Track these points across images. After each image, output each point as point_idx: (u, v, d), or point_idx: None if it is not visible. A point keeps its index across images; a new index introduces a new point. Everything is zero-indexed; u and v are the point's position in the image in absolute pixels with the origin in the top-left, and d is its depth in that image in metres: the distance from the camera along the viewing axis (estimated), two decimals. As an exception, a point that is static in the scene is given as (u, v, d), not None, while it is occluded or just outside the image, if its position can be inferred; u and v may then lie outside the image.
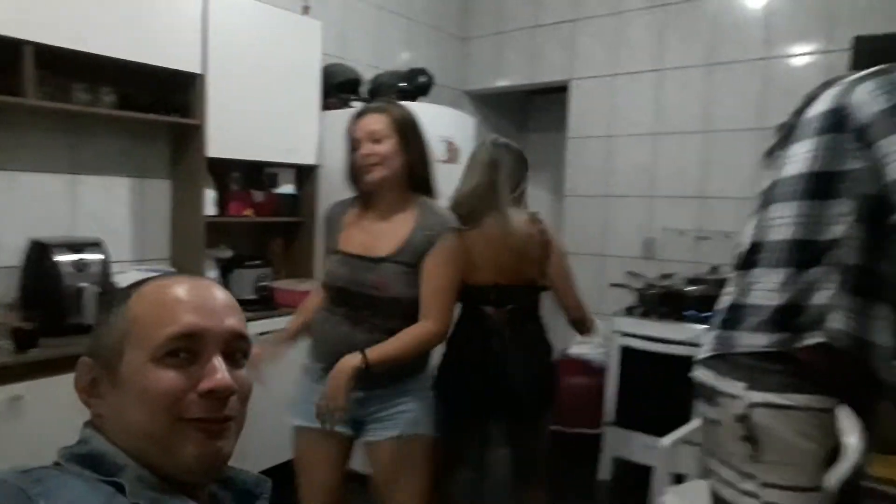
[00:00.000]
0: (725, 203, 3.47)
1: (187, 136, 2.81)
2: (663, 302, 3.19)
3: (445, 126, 3.34)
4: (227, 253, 3.07)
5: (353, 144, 1.76)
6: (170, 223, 2.95)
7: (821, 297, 1.24)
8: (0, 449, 1.97)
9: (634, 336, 3.14)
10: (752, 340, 1.30)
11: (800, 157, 1.33)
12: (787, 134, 1.46)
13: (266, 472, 0.98)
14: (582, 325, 2.19)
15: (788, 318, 1.26)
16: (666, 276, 3.46)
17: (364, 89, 3.49)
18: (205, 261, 2.88)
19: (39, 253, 2.29)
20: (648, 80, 3.73)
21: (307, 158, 3.24)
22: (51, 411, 1.90)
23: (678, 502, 2.08)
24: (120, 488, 0.68)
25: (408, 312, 1.72)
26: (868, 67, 1.34)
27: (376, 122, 1.73)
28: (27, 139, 2.48)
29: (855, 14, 3.07)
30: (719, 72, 3.48)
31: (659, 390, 3.05)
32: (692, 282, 3.27)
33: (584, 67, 3.99)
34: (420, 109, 3.29)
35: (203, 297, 0.78)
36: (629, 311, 3.28)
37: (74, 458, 0.72)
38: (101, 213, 2.71)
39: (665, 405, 2.99)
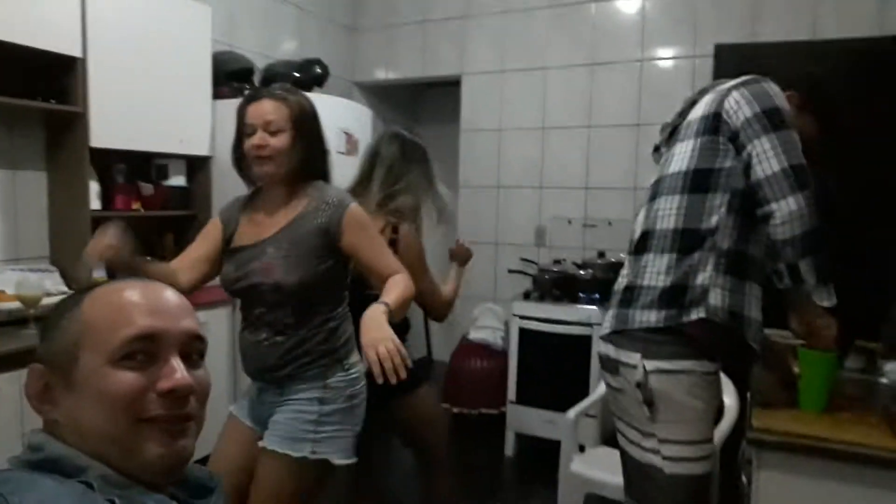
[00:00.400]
0: (608, 193, 3.74)
1: (66, 125, 2.59)
2: (557, 286, 3.40)
3: (343, 118, 3.33)
4: (115, 250, 2.87)
5: (245, 130, 1.59)
6: (48, 219, 2.71)
7: (701, 278, 1.44)
8: None
9: (532, 318, 3.32)
10: (645, 317, 1.48)
11: (682, 156, 1.54)
12: (671, 133, 1.67)
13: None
14: (434, 312, 2.18)
15: (675, 297, 1.45)
16: (557, 262, 3.67)
17: (257, 78, 3.39)
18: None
19: None
20: (536, 78, 3.93)
21: (199, 149, 3.09)
22: None
23: (585, 467, 2.25)
24: (89, 486, 0.67)
25: (297, 307, 1.56)
26: (727, 72, 1.59)
27: (274, 112, 1.57)
28: None
29: (716, 24, 3.42)
30: (600, 71, 3.75)
31: (556, 368, 3.25)
32: (582, 266, 3.51)
33: (475, 63, 4.12)
34: (318, 101, 3.27)
35: (157, 300, 0.79)
36: (526, 296, 3.45)
37: (29, 465, 0.70)
38: (-34, 209, 2.45)
39: (562, 382, 3.20)
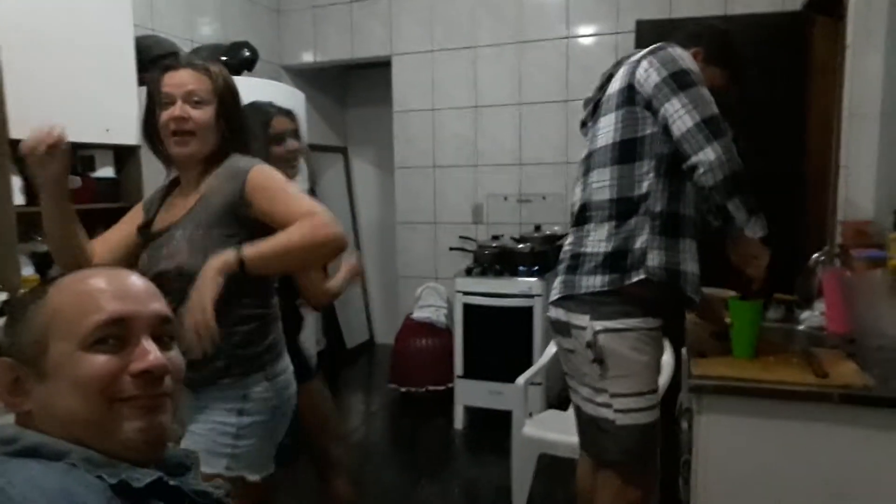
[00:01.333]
0: (541, 168, 3.85)
1: (-19, 117, 2.45)
2: (497, 261, 3.49)
3: (275, 101, 3.27)
4: (44, 247, 2.74)
5: (162, 100, 1.40)
6: (-34, 217, 2.56)
7: (640, 242, 1.55)
8: None
9: (474, 294, 3.40)
10: (590, 282, 1.59)
11: (607, 130, 1.65)
12: (594, 109, 1.78)
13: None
14: (310, 296, 1.93)
15: (617, 261, 1.57)
16: (496, 238, 3.77)
17: (182, 63, 3.28)
18: (17, 256, 2.56)
19: None
20: (465, 57, 3.98)
21: (126, 138, 2.97)
22: None
23: (538, 431, 2.36)
24: (73, 467, 0.68)
25: None
26: (648, 45, 1.66)
27: (197, 82, 1.39)
28: None
29: (635, 1, 3.56)
30: (528, 49, 3.83)
31: (501, 341, 3.36)
32: (520, 240, 3.61)
33: (404, 43, 4.12)
34: (247, 84, 3.20)
35: (124, 284, 0.79)
36: (468, 272, 3.53)
37: (7, 455, 0.69)
38: None
39: (507, 353, 3.30)
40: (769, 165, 3.01)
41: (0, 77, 2.39)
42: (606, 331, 1.57)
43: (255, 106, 1.94)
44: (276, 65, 4.41)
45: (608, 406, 1.60)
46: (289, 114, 2.05)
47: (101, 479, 0.68)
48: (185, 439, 1.37)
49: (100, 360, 0.73)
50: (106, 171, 2.97)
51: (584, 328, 1.59)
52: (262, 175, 1.39)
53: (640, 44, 3.35)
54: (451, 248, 3.97)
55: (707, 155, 1.46)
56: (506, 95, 3.91)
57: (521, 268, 3.43)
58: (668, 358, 2.36)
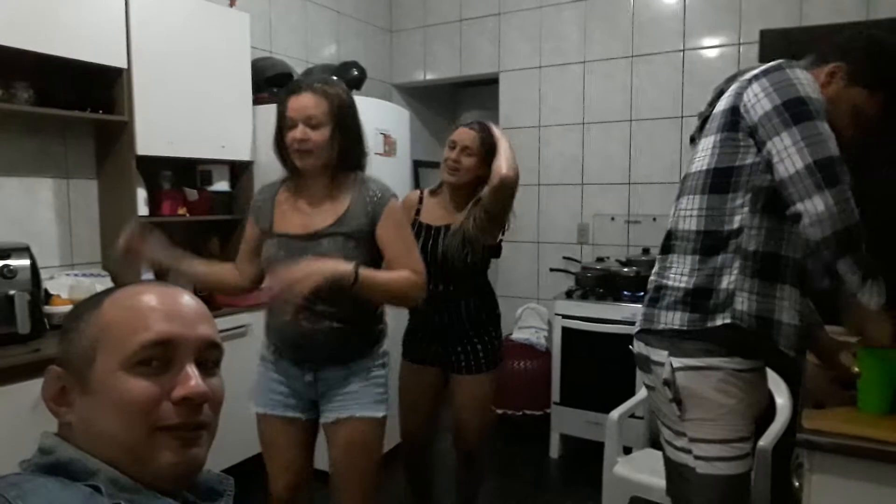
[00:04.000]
0: (651, 188, 3.65)
1: (114, 134, 2.67)
2: (600, 284, 3.33)
3: (381, 119, 3.34)
4: (162, 255, 2.95)
5: (287, 123, 1.67)
6: (99, 225, 2.81)
7: (726, 282, 1.38)
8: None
9: (575, 318, 3.26)
10: (669, 318, 1.44)
11: (704, 153, 1.47)
12: (701, 125, 1.60)
13: (236, 466, 0.95)
14: None
15: (698, 300, 1.40)
16: (600, 260, 3.61)
17: (296, 83, 3.43)
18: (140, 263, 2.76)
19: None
20: (574, 72, 3.86)
21: (241, 154, 3.15)
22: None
23: (629, 471, 2.19)
24: (97, 490, 0.67)
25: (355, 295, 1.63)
26: (774, 58, 1.46)
27: (314, 107, 1.64)
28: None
29: (761, 9, 3.30)
30: (640, 63, 3.65)
31: (600, 368, 3.19)
32: (626, 264, 3.43)
33: (512, 60, 4.08)
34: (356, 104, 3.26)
35: (176, 305, 0.78)
36: (568, 295, 3.39)
37: (40, 468, 0.70)
38: (23, 217, 2.55)
39: (607, 382, 3.13)
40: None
41: (131, 97, 2.61)
42: (686, 368, 1.40)
43: None
44: (388, 83, 4.52)
45: (688, 451, 1.44)
46: (470, 127, 2.18)
47: None
48: (344, 401, 1.73)
49: (140, 385, 0.72)
50: (221, 185, 3.14)
51: (661, 364, 1.45)
52: (397, 212, 1.73)
53: (764, 56, 3.10)
54: (552, 269, 3.84)
55: (815, 205, 1.26)
56: (616, 112, 3.75)
57: (625, 293, 3.24)
58: (783, 401, 2.12)
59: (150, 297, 0.77)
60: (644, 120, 3.66)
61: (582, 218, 3.89)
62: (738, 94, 1.41)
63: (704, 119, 1.59)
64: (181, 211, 2.98)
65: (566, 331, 3.30)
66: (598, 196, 3.83)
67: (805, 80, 1.35)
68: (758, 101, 1.36)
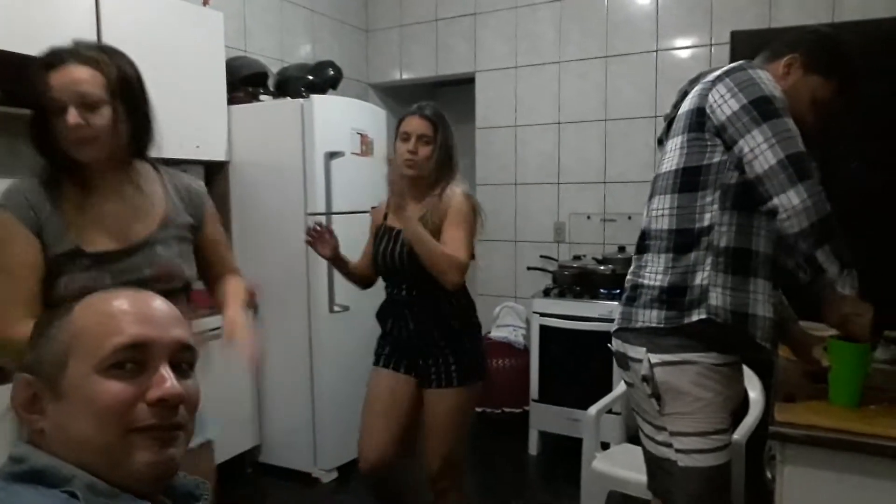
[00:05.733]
0: (626, 187, 3.69)
1: (85, 135, 2.63)
2: (577, 282, 3.36)
3: (358, 119, 3.33)
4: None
5: (51, 105, 1.27)
6: (70, 228, 2.76)
7: (700, 278, 1.41)
8: None
9: (552, 316, 3.29)
10: (646, 316, 1.47)
11: (672, 154, 1.51)
12: (668, 126, 1.64)
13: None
14: None
15: (674, 297, 1.43)
16: (577, 258, 3.64)
17: (271, 83, 3.41)
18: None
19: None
20: (550, 72, 3.89)
21: (216, 154, 3.11)
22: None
23: (607, 466, 2.22)
24: (73, 496, 0.67)
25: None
26: (745, 58, 1.49)
27: (88, 82, 1.28)
28: None
29: (732, 11, 3.36)
30: (615, 63, 3.70)
31: (578, 366, 3.22)
32: (602, 262, 3.47)
33: (488, 60, 4.09)
34: (331, 103, 3.25)
35: (148, 308, 0.79)
36: (546, 293, 3.42)
37: (13, 477, 0.69)
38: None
39: (584, 379, 3.16)
40: (885, 182, 2.73)
41: (103, 98, 2.56)
42: (664, 364, 1.43)
43: None
44: (364, 83, 4.51)
45: (668, 445, 1.47)
46: (421, 115, 2.05)
47: None
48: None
49: (115, 388, 0.72)
50: (196, 186, 3.10)
51: (639, 360, 1.48)
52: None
53: (735, 56, 3.14)
54: (529, 268, 3.87)
55: (790, 199, 1.31)
56: (591, 111, 3.78)
57: (601, 290, 3.28)
58: (755, 395, 2.16)
59: (122, 302, 0.77)
60: (619, 119, 3.70)
61: (558, 217, 3.92)
62: (703, 96, 1.44)
63: (671, 120, 1.62)
64: (155, 212, 2.94)
65: (544, 329, 3.32)
66: (575, 195, 3.87)
67: (766, 80, 1.40)
68: (724, 102, 1.39)
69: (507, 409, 3.64)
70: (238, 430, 3.07)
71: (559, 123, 3.88)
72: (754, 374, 2.17)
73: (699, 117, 1.44)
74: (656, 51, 3.58)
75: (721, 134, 1.41)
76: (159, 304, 0.80)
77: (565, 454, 3.22)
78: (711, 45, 3.43)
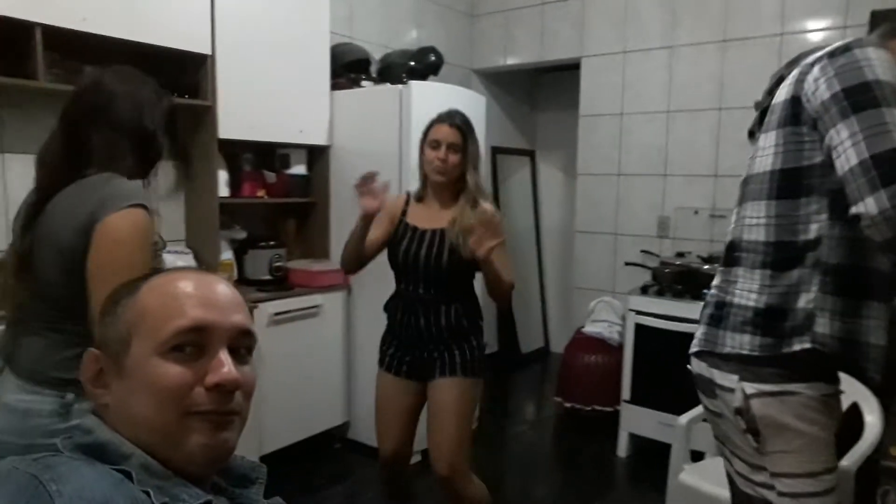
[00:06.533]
0: (739, 181, 3.43)
1: (198, 118, 2.79)
2: (678, 280, 3.18)
3: (456, 105, 3.26)
4: (241, 234, 3.07)
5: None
6: (183, 205, 2.95)
7: (804, 301, 1.21)
8: None
9: (649, 314, 3.13)
10: (737, 342, 1.27)
11: (766, 152, 1.29)
12: (760, 117, 1.41)
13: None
14: None
15: (771, 321, 1.23)
16: (680, 255, 3.45)
17: (374, 69, 3.46)
18: (219, 242, 2.88)
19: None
20: (660, 57, 3.68)
21: (318, 139, 3.21)
22: None
23: (696, 480, 2.08)
24: (127, 475, 0.68)
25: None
26: None
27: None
28: (39, 123, 2.47)
29: (873, -13, 3.01)
30: (733, 48, 3.43)
31: (674, 368, 3.04)
32: (707, 260, 3.26)
33: (595, 45, 3.94)
34: (430, 89, 3.25)
35: (211, 292, 0.79)
36: (644, 290, 3.26)
37: (79, 447, 0.72)
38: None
39: (680, 383, 2.98)
40: None
41: (215, 83, 2.71)
42: (761, 394, 1.24)
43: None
44: (468, 69, 4.48)
45: (770, 487, 1.27)
46: (451, 124, 2.08)
47: (149, 496, 0.68)
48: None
49: (174, 371, 0.73)
50: (299, 169, 3.22)
51: (731, 390, 1.27)
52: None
53: (875, 38, 2.83)
54: (627, 263, 3.71)
55: (867, 206, 1.08)
56: (703, 99, 3.54)
57: (705, 291, 3.07)
58: (872, 419, 1.94)
59: (187, 284, 0.78)
60: (734, 109, 3.44)
61: (663, 210, 3.72)
62: (800, 82, 1.22)
63: (763, 110, 1.39)
64: (260, 193, 3.08)
65: (639, 327, 3.17)
66: (682, 188, 3.65)
67: (877, 61, 1.15)
68: (817, 88, 1.18)
69: (597, 408, 3.53)
70: (328, 406, 3.17)
71: (668, 112, 3.67)
72: (871, 392, 1.95)
73: (794, 108, 1.23)
74: (781, 34, 3.29)
75: (816, 126, 1.20)
76: (223, 287, 0.81)
77: (656, 459, 3.07)
78: (846, 27, 3.10)
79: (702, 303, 3.03)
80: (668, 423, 2.98)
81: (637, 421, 3.21)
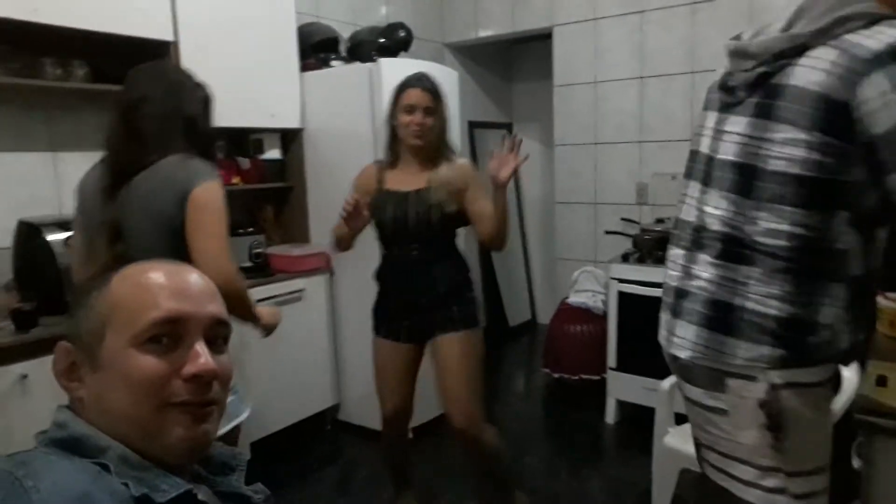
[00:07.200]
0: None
1: (166, 107, 2.73)
2: (659, 247, 3.19)
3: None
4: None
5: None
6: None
7: (830, 315, 1.14)
8: (11, 426, 1.98)
9: (631, 282, 3.15)
10: (754, 353, 1.16)
11: (784, 154, 1.10)
12: (754, 82, 1.17)
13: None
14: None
15: (794, 332, 1.14)
16: (660, 221, 3.46)
17: (343, 48, 3.40)
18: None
19: (29, 234, 2.24)
20: (631, 23, 3.66)
21: (291, 122, 3.17)
22: (57, 388, 1.90)
23: (680, 442, 2.12)
24: (105, 468, 0.68)
25: None
26: None
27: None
28: (1, 119, 2.41)
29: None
30: (704, 10, 3.41)
31: (657, 334, 3.08)
32: (685, 225, 3.27)
33: (566, 13, 3.90)
34: (400, 66, 3.21)
35: (184, 283, 0.78)
36: (625, 258, 3.28)
37: (53, 442, 0.71)
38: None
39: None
40: None
41: (180, 70, 2.65)
42: (790, 385, 1.14)
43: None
44: (439, 43, 4.42)
45: (782, 491, 1.16)
46: (423, 88, 2.11)
47: (127, 488, 0.67)
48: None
49: (150, 362, 0.72)
50: (273, 153, 3.18)
51: (752, 379, 1.16)
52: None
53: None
54: (608, 232, 3.73)
55: None
56: (676, 64, 3.53)
57: (683, 257, 3.10)
58: (850, 373, 1.98)
59: (159, 275, 0.77)
60: (707, 71, 3.43)
61: (641, 177, 3.73)
62: (848, 82, 1.01)
63: (762, 76, 1.15)
64: (235, 180, 3.04)
65: (622, 295, 3.20)
66: (658, 154, 3.66)
67: None
68: (884, 107, 0.98)
69: (584, 376, 3.57)
70: (317, 389, 3.18)
71: (641, 78, 3.66)
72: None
73: (836, 115, 1.03)
74: (751, -7, 3.27)
75: (874, 152, 1.02)
76: (195, 277, 0.80)
77: (644, 424, 3.11)
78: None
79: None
80: (653, 388, 3.01)
81: (623, 387, 3.25)
